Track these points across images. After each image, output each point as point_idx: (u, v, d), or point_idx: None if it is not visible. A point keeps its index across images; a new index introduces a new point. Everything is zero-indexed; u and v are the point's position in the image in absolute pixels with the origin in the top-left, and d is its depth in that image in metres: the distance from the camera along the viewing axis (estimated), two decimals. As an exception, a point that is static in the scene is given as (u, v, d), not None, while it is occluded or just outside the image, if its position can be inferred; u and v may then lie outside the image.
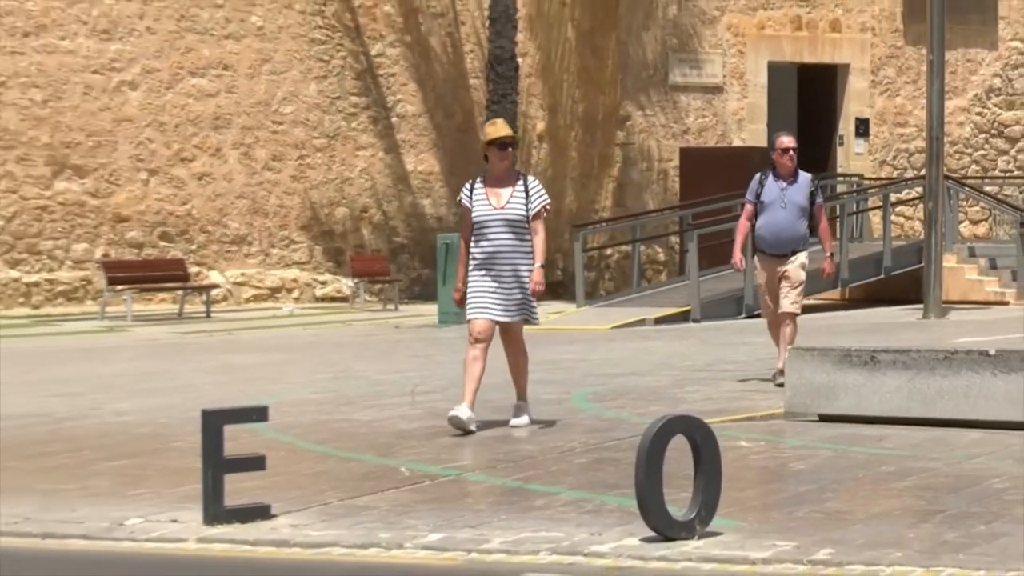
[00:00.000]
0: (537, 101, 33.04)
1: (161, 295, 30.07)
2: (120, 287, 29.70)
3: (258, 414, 10.60)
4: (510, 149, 12.15)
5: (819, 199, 16.21)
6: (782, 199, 15.07)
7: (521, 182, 11.98)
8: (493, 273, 11.68)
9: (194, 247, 31.35)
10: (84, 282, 30.51)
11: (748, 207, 15.47)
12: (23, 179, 30.13)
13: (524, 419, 12.58)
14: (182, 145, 31.42)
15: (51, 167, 30.40)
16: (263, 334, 26.10)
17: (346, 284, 32.41)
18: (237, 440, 10.42)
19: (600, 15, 33.20)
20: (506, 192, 11.83)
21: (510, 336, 12.03)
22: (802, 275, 15.29)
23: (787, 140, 15.73)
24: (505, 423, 13.01)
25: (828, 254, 16.66)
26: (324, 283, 32.58)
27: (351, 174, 32.84)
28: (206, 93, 31.55)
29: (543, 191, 12.26)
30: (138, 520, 10.37)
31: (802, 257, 15.29)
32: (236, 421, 10.34)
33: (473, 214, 11.80)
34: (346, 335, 25.07)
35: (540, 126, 33.68)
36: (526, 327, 12.46)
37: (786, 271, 15.12)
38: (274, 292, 32.00)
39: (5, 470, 12.52)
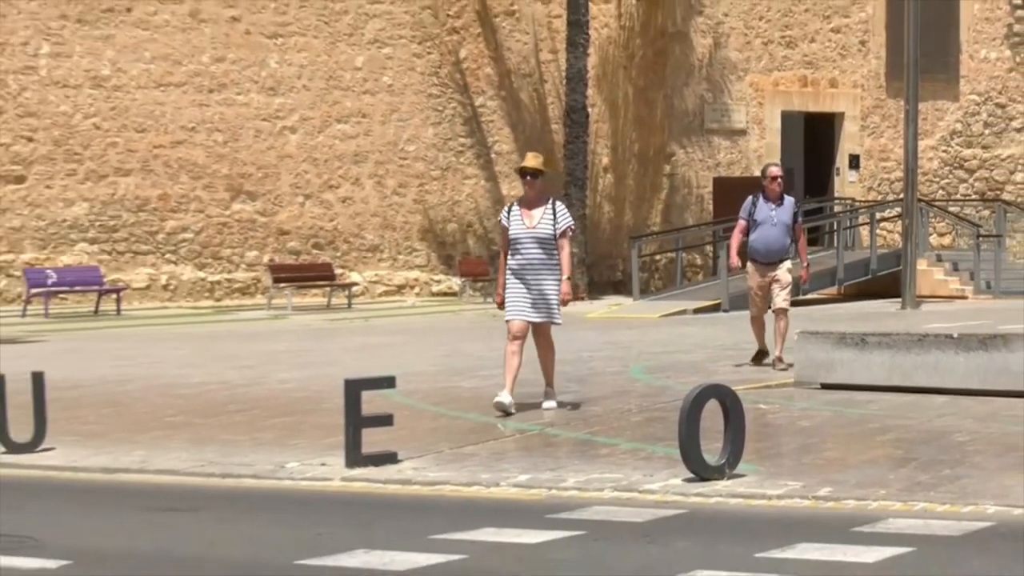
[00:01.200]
0: (603, 141, 32.91)
1: (313, 291, 30.10)
2: (282, 285, 29.79)
3: (387, 382, 10.75)
4: (531, 178, 11.80)
5: (800, 219, 16.17)
6: (772, 218, 14.93)
7: (550, 205, 11.68)
8: (525, 281, 11.45)
9: (339, 254, 31.37)
10: (254, 281, 30.57)
11: (742, 223, 15.24)
12: (208, 202, 30.25)
13: (552, 403, 12.21)
14: (330, 176, 31.46)
15: (229, 192, 30.50)
16: (392, 321, 26.11)
17: (455, 282, 32.35)
18: (371, 402, 10.58)
19: (651, 75, 33.04)
20: (537, 213, 11.59)
21: (540, 334, 11.78)
22: (789, 278, 15.19)
23: (775, 170, 15.63)
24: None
25: (804, 264, 16.54)
26: (439, 281, 32.53)
27: (459, 197, 32.80)
28: (348, 136, 31.56)
29: (568, 214, 12.03)
30: (295, 464, 10.50)
31: (788, 264, 15.19)
32: (370, 388, 10.51)
33: (509, 232, 11.61)
34: (455, 322, 25.05)
35: (605, 160, 33.54)
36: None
37: (776, 276, 15.07)
38: (400, 288, 31.96)
39: (193, 425, 12.66)
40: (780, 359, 15.01)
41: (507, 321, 11.69)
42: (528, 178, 11.80)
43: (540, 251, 11.47)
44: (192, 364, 17.69)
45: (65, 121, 29.05)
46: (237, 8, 30.39)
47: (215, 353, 19.32)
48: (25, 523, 8.41)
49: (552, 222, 11.55)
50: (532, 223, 11.51)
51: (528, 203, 11.69)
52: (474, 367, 16.24)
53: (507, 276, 11.75)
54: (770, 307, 15.25)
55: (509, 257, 11.67)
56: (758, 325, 15.53)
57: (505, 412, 11.64)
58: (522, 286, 11.54)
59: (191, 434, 11.98)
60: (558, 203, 11.88)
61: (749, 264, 15.30)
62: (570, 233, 12.00)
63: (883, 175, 33.77)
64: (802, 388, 13.91)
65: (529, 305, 11.53)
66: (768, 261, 15.04)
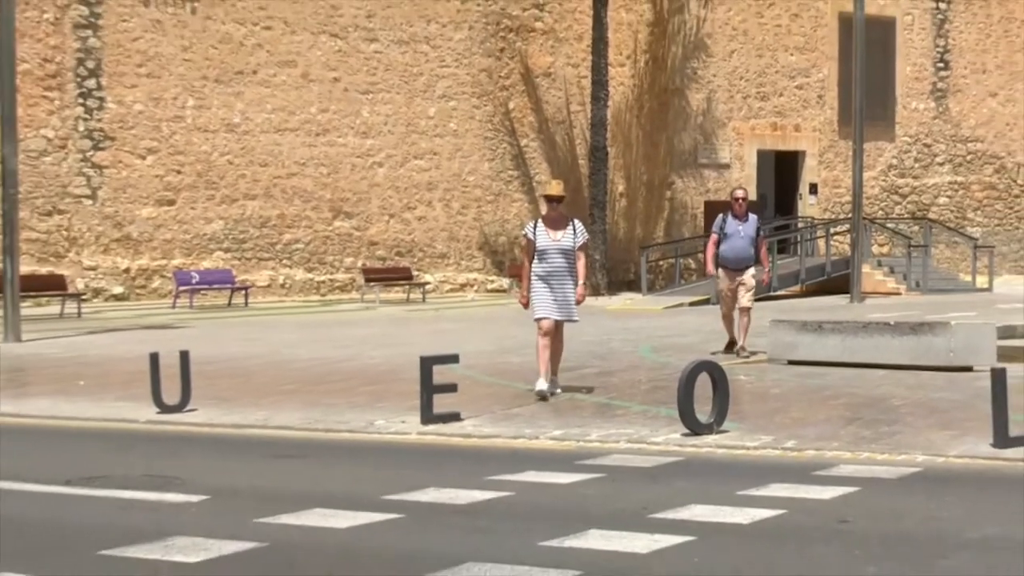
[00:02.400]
0: (619, 174, 32.80)
1: (395, 288, 30.10)
2: (371, 283, 29.76)
3: (452, 359, 10.86)
4: (556, 203, 11.46)
5: (762, 234, 15.89)
6: (739, 232, 14.55)
7: (571, 224, 11.34)
8: (550, 286, 11.12)
9: (415, 259, 31.39)
10: (351, 280, 30.61)
11: (714, 236, 14.78)
12: (315, 220, 30.33)
13: (557, 389, 11.51)
14: (408, 200, 31.48)
15: (332, 212, 30.56)
16: (456, 312, 26.13)
17: (505, 282, 32.28)
18: (440, 374, 10.59)
19: (656, 122, 32.92)
20: (560, 230, 11.25)
21: (558, 331, 11.37)
22: (753, 282, 14.84)
23: (740, 193, 15.27)
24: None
25: (766, 270, 16.40)
26: (492, 281, 32.47)
27: (508, 216, 32.76)
28: (423, 169, 31.58)
29: (585, 230, 11.66)
30: (382, 421, 10.55)
31: (752, 271, 14.82)
32: (439, 363, 10.56)
33: (537, 244, 11.20)
34: (504, 313, 25.02)
35: (620, 188, 33.43)
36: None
37: (743, 280, 14.55)
38: (462, 286, 31.94)
39: (303, 392, 12.70)
40: (743, 348, 14.55)
41: (537, 320, 11.36)
42: (553, 203, 11.53)
43: (563, 260, 11.16)
44: (302, 345, 17.78)
45: (205, 158, 29.21)
46: (337, 71, 30.50)
47: (319, 336, 19.41)
48: (173, 467, 8.50)
49: (573, 237, 11.26)
50: (556, 237, 11.20)
51: (552, 222, 11.36)
52: (519, 347, 16.27)
53: (533, 281, 11.38)
54: (736, 306, 14.86)
55: (536, 265, 11.31)
56: (728, 321, 15.01)
57: (543, 398, 11.28)
58: (548, 289, 11.22)
59: (301, 399, 12.05)
60: (576, 221, 11.60)
61: (720, 270, 14.84)
62: (586, 247, 11.70)
63: (835, 199, 33.56)
64: (773, 364, 13.89)
65: (555, 306, 11.22)
66: (736, 268, 14.63)
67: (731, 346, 14.89)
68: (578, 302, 11.37)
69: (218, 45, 29.23)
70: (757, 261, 15.19)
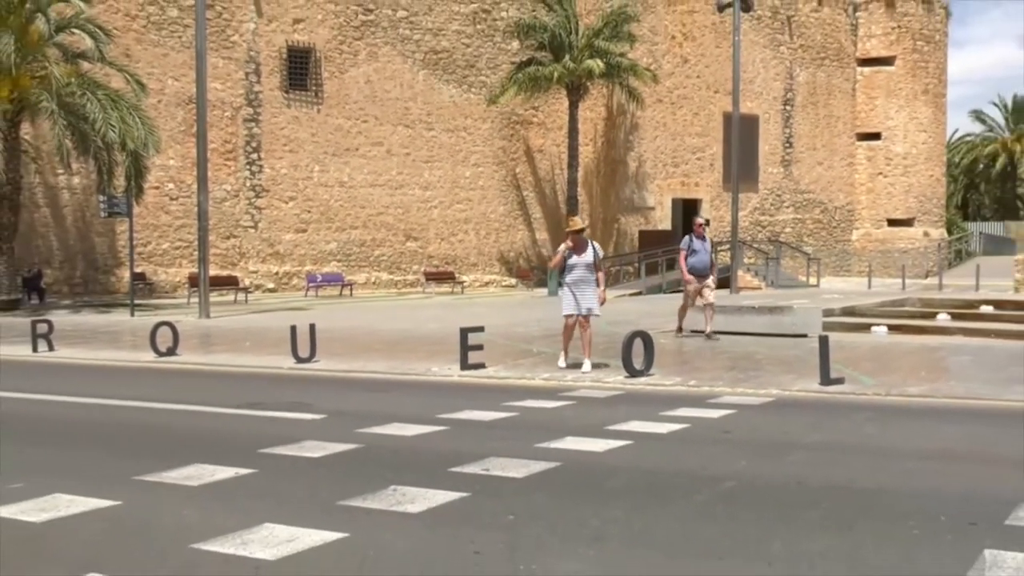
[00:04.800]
0: (585, 213, 32.58)
1: (445, 285, 30.15)
2: (429, 281, 29.81)
3: (480, 329, 10.70)
4: (579, 234, 10.37)
5: (713, 251, 14.48)
6: (704, 248, 13.24)
7: (591, 245, 10.35)
8: (578, 289, 10.18)
9: (457, 266, 31.38)
10: (416, 280, 30.64)
11: (683, 252, 13.22)
12: (394, 241, 30.34)
13: (588, 366, 10.00)
14: (453, 230, 31.48)
15: (404, 237, 30.57)
16: (483, 299, 26.18)
17: (513, 281, 32.30)
18: (472, 339, 10.46)
19: (608, 180, 32.87)
20: (584, 251, 10.25)
21: (585, 323, 10.25)
22: (713, 285, 13.24)
23: (700, 220, 13.64)
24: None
25: (713, 272, 14.46)
26: (505, 280, 32.43)
27: (515, 240, 32.69)
28: (462, 210, 31.57)
29: (600, 249, 10.74)
30: (436, 368, 10.53)
31: (713, 275, 13.44)
32: (472, 332, 10.47)
33: (568, 261, 10.24)
34: (514, 300, 25.08)
35: (587, 222, 33.54)
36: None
37: (707, 283, 13.03)
38: (487, 284, 31.98)
39: (386, 350, 12.68)
40: (713, 333, 12.94)
41: (565, 316, 10.31)
42: (578, 234, 10.36)
43: (587, 272, 10.23)
44: (385, 321, 17.80)
45: (325, 203, 29.23)
46: (408, 148, 30.44)
47: (396, 315, 19.45)
48: (304, 397, 8.50)
49: (593, 255, 10.28)
50: (581, 255, 10.21)
51: (579, 246, 10.26)
52: (525, 321, 16.27)
53: (564, 287, 10.30)
54: (702, 302, 13.14)
55: (567, 275, 10.24)
56: (683, 312, 13.40)
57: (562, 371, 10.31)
58: (574, 294, 10.19)
59: (385, 354, 12.07)
60: (595, 244, 10.54)
61: (690, 276, 13.20)
62: (602, 262, 10.65)
63: (721, 229, 33.45)
64: (682, 333, 13.83)
65: (578, 306, 10.13)
66: (701, 274, 13.21)
67: (680, 331, 13.40)
68: (601, 302, 10.36)
69: (334, 132, 29.27)
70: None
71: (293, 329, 11.29)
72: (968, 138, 59.91)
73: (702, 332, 12.90)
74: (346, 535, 4.06)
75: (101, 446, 6.35)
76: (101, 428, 7.07)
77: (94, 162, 21.21)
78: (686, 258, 13.11)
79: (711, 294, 13.09)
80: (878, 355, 11.04)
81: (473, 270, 32.02)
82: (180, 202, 27.10)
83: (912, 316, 15.20)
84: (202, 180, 19.05)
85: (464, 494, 4.74)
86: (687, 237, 13.42)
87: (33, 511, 4.50)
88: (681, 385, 8.95)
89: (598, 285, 10.33)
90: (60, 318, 17.06)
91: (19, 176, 21.67)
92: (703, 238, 13.25)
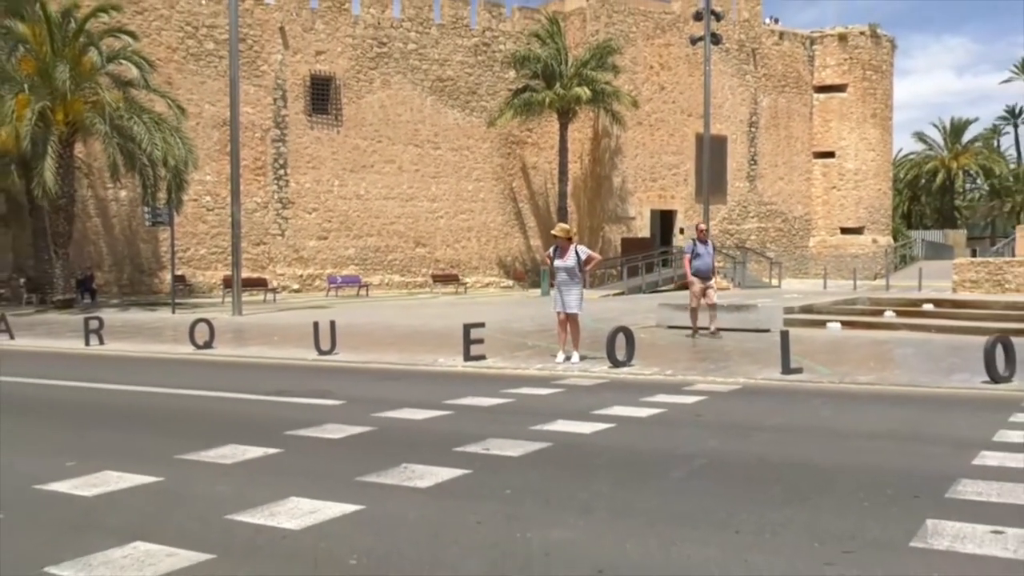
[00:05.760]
0: (574, 223, 32.67)
1: (450, 286, 30.12)
2: (436, 283, 29.81)
3: (481, 324, 10.62)
4: (565, 240, 10.13)
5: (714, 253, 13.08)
6: (706, 252, 12.59)
7: (574, 249, 10.09)
8: (562, 290, 10.02)
9: (461, 270, 31.36)
10: (425, 281, 30.61)
11: (687, 256, 12.59)
12: (405, 248, 30.31)
13: (577, 357, 9.87)
14: (457, 237, 31.43)
15: (414, 243, 30.53)
16: (484, 299, 26.14)
17: (510, 282, 32.28)
18: (475, 334, 10.40)
19: (594, 193, 32.81)
20: (564, 256, 10.05)
21: (571, 319, 10.04)
22: (716, 286, 12.73)
23: (703, 226, 12.98)
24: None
25: (715, 274, 13.57)
26: (502, 282, 32.41)
27: (511, 247, 32.67)
28: (465, 220, 31.52)
29: (586, 248, 10.35)
30: (442, 359, 10.48)
31: (714, 278, 12.81)
32: (473, 327, 10.39)
33: (554, 264, 10.16)
34: (511, 299, 25.04)
35: (575, 231, 33.45)
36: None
37: (709, 285, 12.41)
38: (487, 285, 31.97)
39: (397, 343, 12.61)
40: (717, 331, 12.34)
41: (556, 312, 10.16)
42: (563, 240, 10.09)
43: (567, 275, 9.98)
44: (397, 317, 17.76)
45: (344, 214, 29.18)
46: (417, 165, 30.39)
47: (407, 313, 19.42)
48: (325, 385, 8.47)
49: (576, 259, 9.95)
50: (565, 258, 10.00)
51: (562, 250, 10.08)
52: (520, 318, 16.25)
53: (553, 284, 10.14)
54: (705, 302, 12.46)
55: (555, 276, 10.09)
56: (694, 315, 12.59)
57: (561, 360, 10.01)
58: (560, 293, 10.02)
59: (397, 347, 12.03)
60: (580, 248, 10.16)
61: (693, 278, 12.45)
62: (592, 258, 10.19)
63: (693, 236, 33.49)
64: (659, 328, 13.74)
65: (563, 304, 9.95)
66: (704, 277, 12.41)
67: (695, 332, 12.57)
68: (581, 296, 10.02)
69: (351, 151, 29.23)
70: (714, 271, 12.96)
71: (316, 325, 11.26)
72: (911, 156, 60.06)
73: (707, 328, 12.40)
74: (363, 507, 4.06)
75: (145, 428, 6.33)
76: (145, 412, 7.05)
77: (140, 177, 21.23)
78: (690, 261, 12.49)
79: (714, 295, 12.49)
80: (832, 348, 11.03)
81: (475, 273, 31.97)
82: (215, 213, 27.10)
83: (862, 313, 15.18)
84: (235, 193, 19.01)
85: (467, 471, 4.72)
86: (691, 241, 12.75)
87: (85, 486, 4.49)
88: (659, 374, 8.91)
89: (579, 286, 9.98)
90: (109, 315, 17.02)
91: (73, 190, 21.68)
92: (705, 242, 12.59)
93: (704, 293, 12.34)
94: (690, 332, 12.51)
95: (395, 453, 5.17)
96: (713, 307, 12.48)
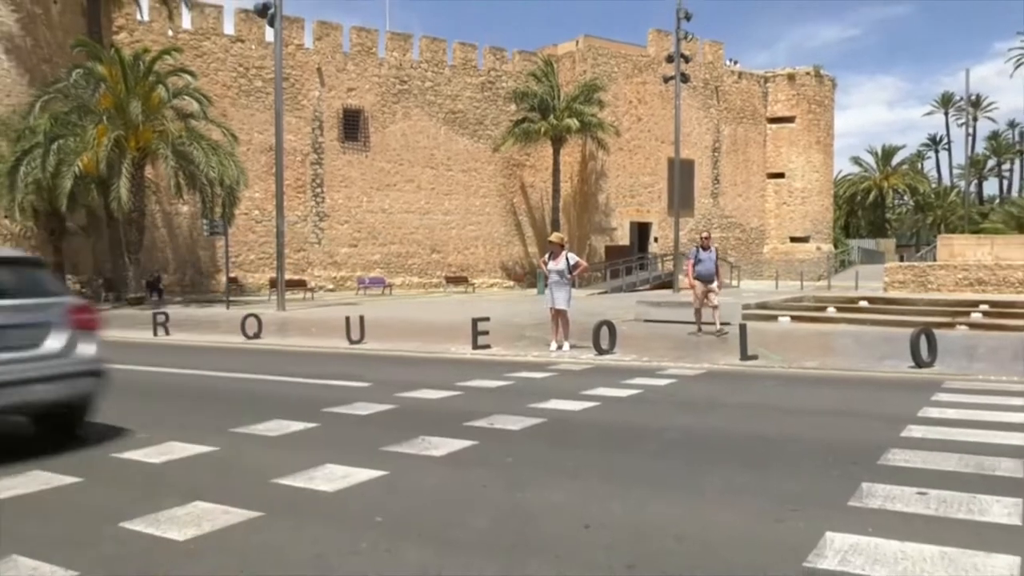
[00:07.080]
0: (566, 231, 32.64)
1: (460, 286, 30.08)
2: (449, 284, 29.75)
3: (487, 319, 10.48)
4: (558, 246, 10.02)
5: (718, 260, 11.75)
6: (709, 257, 11.43)
7: (565, 253, 9.96)
8: (553, 289, 9.90)
9: (470, 273, 31.33)
10: (440, 282, 30.59)
11: (690, 261, 11.66)
12: (423, 254, 30.26)
13: (567, 346, 9.83)
14: (467, 245, 31.40)
15: (430, 250, 30.49)
16: (489, 297, 26.09)
17: (511, 283, 32.22)
18: (482, 326, 10.20)
19: (583, 208, 32.75)
20: (556, 260, 9.94)
21: (560, 314, 9.88)
22: (717, 290, 11.57)
23: (705, 234, 11.84)
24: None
25: (718, 279, 11.74)
26: (505, 283, 32.40)
27: (512, 253, 32.62)
28: (475, 230, 31.48)
29: (575, 256, 10.11)
30: (454, 348, 10.42)
31: (715, 281, 11.50)
32: (480, 320, 10.29)
33: (547, 267, 10.02)
34: (512, 297, 24.99)
35: (566, 237, 33.32)
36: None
37: (711, 288, 11.44)
38: (491, 285, 31.91)
39: (416, 334, 12.52)
40: (720, 329, 11.45)
41: (549, 308, 9.99)
42: (556, 246, 9.92)
43: (558, 277, 9.83)
44: (416, 313, 17.71)
45: (371, 225, 29.17)
46: (433, 184, 30.34)
47: (425, 309, 19.37)
48: (356, 369, 8.45)
49: (566, 264, 9.80)
50: (556, 264, 9.83)
51: (554, 255, 9.92)
52: (520, 313, 16.22)
53: (547, 286, 9.97)
54: (709, 304, 11.57)
55: (548, 279, 9.93)
56: (698, 314, 11.68)
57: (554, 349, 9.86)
58: (551, 291, 9.87)
59: (415, 337, 11.99)
60: (570, 255, 9.96)
61: (696, 282, 11.49)
62: (580, 264, 9.98)
63: (666, 244, 33.38)
64: (637, 322, 13.71)
65: (555, 301, 9.82)
66: (706, 281, 11.42)
67: (699, 329, 11.64)
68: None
69: (378, 172, 29.21)
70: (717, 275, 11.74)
71: (347, 319, 11.25)
72: (849, 176, 60.04)
73: (711, 324, 11.70)
74: (387, 473, 4.06)
75: (204, 406, 6.33)
76: (204, 392, 7.04)
77: (199, 194, 21.31)
78: (693, 266, 11.59)
79: (716, 298, 11.55)
80: (783, 338, 11.01)
81: (482, 275, 31.92)
82: (263, 224, 27.10)
83: (808, 309, 15.17)
84: (279, 208, 19.03)
85: (475, 442, 4.71)
86: (694, 248, 11.89)
87: (154, 455, 4.50)
88: (637, 361, 8.89)
89: (569, 287, 9.85)
90: (174, 311, 17.03)
91: (143, 205, 21.76)
92: (708, 249, 11.64)
93: (706, 295, 11.53)
94: (695, 330, 11.69)
95: (414, 427, 5.15)
96: (715, 308, 11.61)
